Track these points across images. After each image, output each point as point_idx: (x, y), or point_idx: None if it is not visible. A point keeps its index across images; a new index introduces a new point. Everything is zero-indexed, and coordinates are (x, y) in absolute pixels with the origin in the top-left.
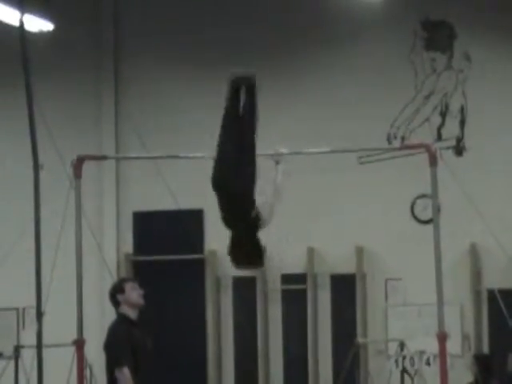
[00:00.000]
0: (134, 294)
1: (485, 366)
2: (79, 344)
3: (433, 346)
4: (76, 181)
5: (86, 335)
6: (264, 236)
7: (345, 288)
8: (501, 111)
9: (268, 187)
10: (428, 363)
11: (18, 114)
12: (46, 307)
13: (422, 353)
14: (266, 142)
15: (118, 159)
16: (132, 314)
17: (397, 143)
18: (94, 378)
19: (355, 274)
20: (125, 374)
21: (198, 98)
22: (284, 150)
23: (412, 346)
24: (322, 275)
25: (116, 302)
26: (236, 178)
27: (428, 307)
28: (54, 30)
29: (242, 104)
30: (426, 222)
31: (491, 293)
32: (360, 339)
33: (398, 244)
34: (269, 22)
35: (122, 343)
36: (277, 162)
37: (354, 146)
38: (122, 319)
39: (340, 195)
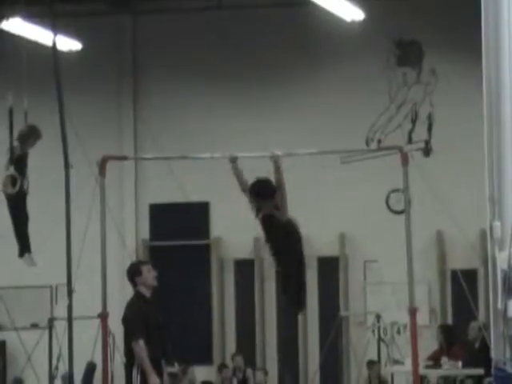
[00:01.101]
0: (149, 276)
1: (449, 335)
2: (103, 317)
3: (404, 318)
4: (100, 178)
5: (109, 309)
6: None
7: (329, 269)
8: (463, 118)
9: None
10: (399, 332)
11: (51, 121)
12: (76, 285)
13: (395, 324)
14: (265, 145)
15: (136, 159)
16: (147, 292)
17: (374, 145)
18: (116, 345)
19: (338, 257)
20: (140, 346)
21: (206, 107)
22: (279, 152)
23: (387, 318)
24: (310, 257)
25: (134, 282)
26: None
27: (400, 285)
28: (81, 49)
29: None
30: (399, 213)
31: (454, 272)
32: (342, 312)
33: (374, 231)
34: (265, 42)
35: (137, 319)
36: (275, 162)
37: (337, 147)
38: (137, 297)
39: (325, 189)
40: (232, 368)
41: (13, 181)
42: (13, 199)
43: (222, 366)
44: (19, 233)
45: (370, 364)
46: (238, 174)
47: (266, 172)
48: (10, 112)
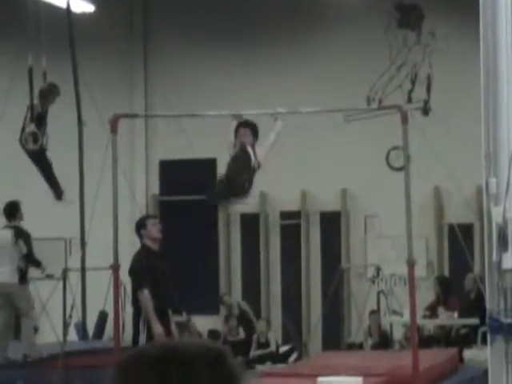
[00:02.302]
0: (154, 228)
1: (445, 287)
2: (115, 268)
3: (403, 271)
4: (112, 135)
5: (120, 261)
6: (266, 180)
7: (331, 223)
8: (460, 79)
9: (266, 140)
10: (396, 284)
11: (65, 81)
12: (89, 238)
13: (394, 276)
14: (268, 103)
15: (147, 117)
16: (152, 245)
17: (375, 105)
18: (127, 295)
19: (340, 212)
20: (145, 295)
21: (213, 65)
22: (282, 110)
23: (386, 270)
24: (313, 213)
25: (140, 235)
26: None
27: (399, 238)
28: (94, 11)
29: None
30: (398, 169)
31: (451, 227)
32: (344, 265)
33: (375, 187)
34: (271, 5)
35: (142, 270)
36: (275, 119)
37: (339, 106)
38: (143, 249)
39: (328, 147)
40: (237, 315)
41: (34, 138)
42: (34, 155)
43: (228, 316)
44: (48, 180)
45: (372, 313)
46: None
47: (271, 129)
48: (30, 72)
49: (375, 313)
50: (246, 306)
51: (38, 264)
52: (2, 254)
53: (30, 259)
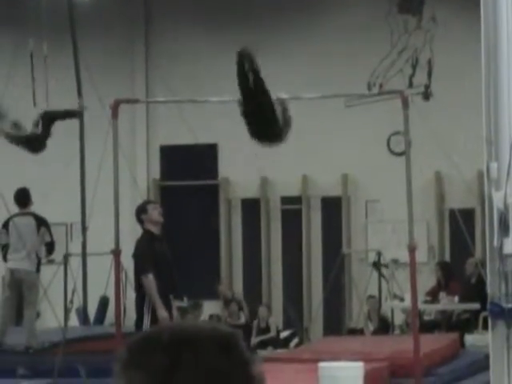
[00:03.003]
0: (155, 212)
1: (446, 272)
2: (116, 253)
3: (404, 256)
4: (113, 120)
5: (121, 246)
6: (267, 165)
7: (333, 208)
8: (460, 64)
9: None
10: (397, 268)
11: (67, 66)
12: (90, 223)
13: (395, 261)
14: (270, 89)
15: (147, 102)
16: (154, 229)
17: (376, 90)
18: (129, 280)
19: (341, 197)
20: (149, 279)
21: (214, 51)
22: (285, 96)
23: (387, 255)
24: (314, 198)
25: (140, 221)
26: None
27: (400, 223)
28: None
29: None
30: (399, 154)
31: (452, 212)
32: (345, 250)
33: (376, 172)
34: None
35: (146, 254)
36: (281, 103)
37: (340, 92)
38: (146, 234)
39: (330, 132)
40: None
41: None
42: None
43: (229, 301)
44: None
45: (369, 298)
46: None
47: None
48: (31, 57)
49: (373, 297)
50: (241, 296)
51: (51, 254)
52: (24, 240)
53: (52, 247)
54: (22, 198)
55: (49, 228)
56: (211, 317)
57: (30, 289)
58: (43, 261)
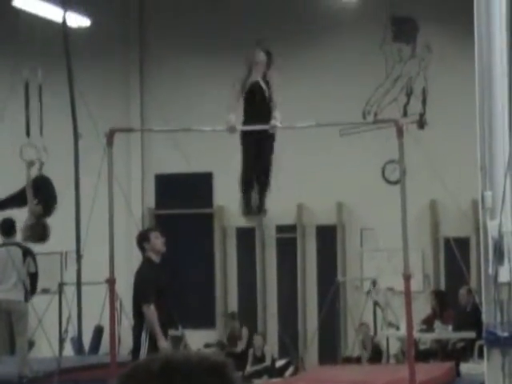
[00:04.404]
0: (158, 242)
1: (441, 300)
2: (111, 282)
3: (399, 284)
4: (108, 149)
5: (116, 275)
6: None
7: (327, 236)
8: (455, 92)
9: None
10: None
11: (62, 94)
12: (84, 251)
13: (390, 289)
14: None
15: (142, 131)
16: (155, 258)
17: (370, 118)
18: (123, 309)
19: (336, 225)
20: (151, 309)
21: (209, 80)
22: (278, 124)
23: (382, 284)
24: (309, 226)
25: (142, 248)
26: None
27: (395, 252)
28: (90, 25)
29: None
30: (394, 183)
31: (447, 240)
32: (340, 278)
33: (371, 200)
34: (265, 18)
35: (148, 283)
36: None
37: (334, 120)
38: (147, 263)
39: (325, 161)
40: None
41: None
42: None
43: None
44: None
45: (361, 325)
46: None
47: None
48: (26, 86)
49: (365, 325)
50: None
51: (35, 285)
52: (10, 270)
53: (36, 279)
54: (7, 227)
55: (34, 258)
56: (206, 346)
57: (19, 319)
58: (38, 290)
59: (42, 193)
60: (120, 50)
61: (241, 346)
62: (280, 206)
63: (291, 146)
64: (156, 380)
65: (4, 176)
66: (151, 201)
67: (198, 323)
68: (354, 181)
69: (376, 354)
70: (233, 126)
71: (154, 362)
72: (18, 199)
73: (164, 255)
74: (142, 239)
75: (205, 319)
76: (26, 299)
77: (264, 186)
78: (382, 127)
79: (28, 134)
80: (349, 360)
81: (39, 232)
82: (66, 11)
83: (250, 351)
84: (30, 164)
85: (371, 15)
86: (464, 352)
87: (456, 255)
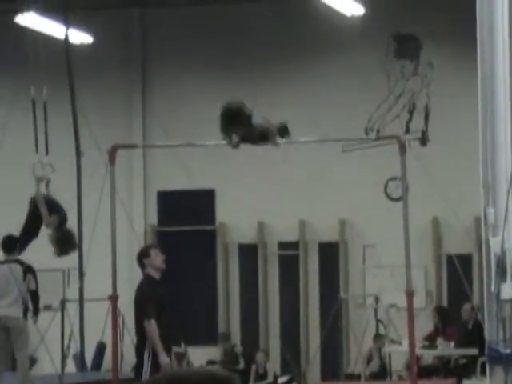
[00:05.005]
0: (157, 259)
1: (444, 317)
2: (113, 299)
3: (402, 301)
4: (110, 165)
5: (118, 291)
6: (264, 211)
7: (330, 253)
8: (458, 109)
9: None
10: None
11: (64, 111)
12: (87, 268)
13: (392, 306)
14: None
15: (144, 147)
16: (156, 274)
17: (373, 135)
18: (126, 326)
19: (338, 242)
20: (152, 325)
21: (211, 95)
22: (280, 140)
23: (385, 300)
24: (312, 243)
25: (142, 265)
26: None
27: (398, 268)
28: (93, 42)
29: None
30: (397, 200)
31: (450, 257)
32: (342, 294)
33: (373, 217)
34: (268, 35)
35: (148, 299)
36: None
37: (337, 136)
38: (148, 279)
39: (327, 177)
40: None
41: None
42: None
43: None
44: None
45: (376, 337)
46: None
47: (269, 158)
48: (33, 104)
49: (379, 336)
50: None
51: (37, 303)
52: (10, 286)
53: (37, 297)
54: (8, 244)
55: (35, 275)
56: (208, 363)
57: (18, 335)
58: (40, 307)
59: (51, 205)
60: (122, 67)
61: (242, 364)
62: (282, 222)
63: (293, 162)
64: None
65: (1, 190)
66: (153, 218)
67: (200, 340)
68: (356, 197)
69: (380, 371)
70: (236, 141)
71: (160, 380)
72: (29, 226)
73: (164, 272)
74: (143, 255)
75: (207, 336)
76: (25, 315)
77: None
78: (384, 144)
79: (37, 151)
80: (351, 377)
81: (67, 240)
82: (68, 28)
83: (253, 368)
84: (40, 180)
85: (374, 32)
86: (466, 369)
87: (458, 272)
